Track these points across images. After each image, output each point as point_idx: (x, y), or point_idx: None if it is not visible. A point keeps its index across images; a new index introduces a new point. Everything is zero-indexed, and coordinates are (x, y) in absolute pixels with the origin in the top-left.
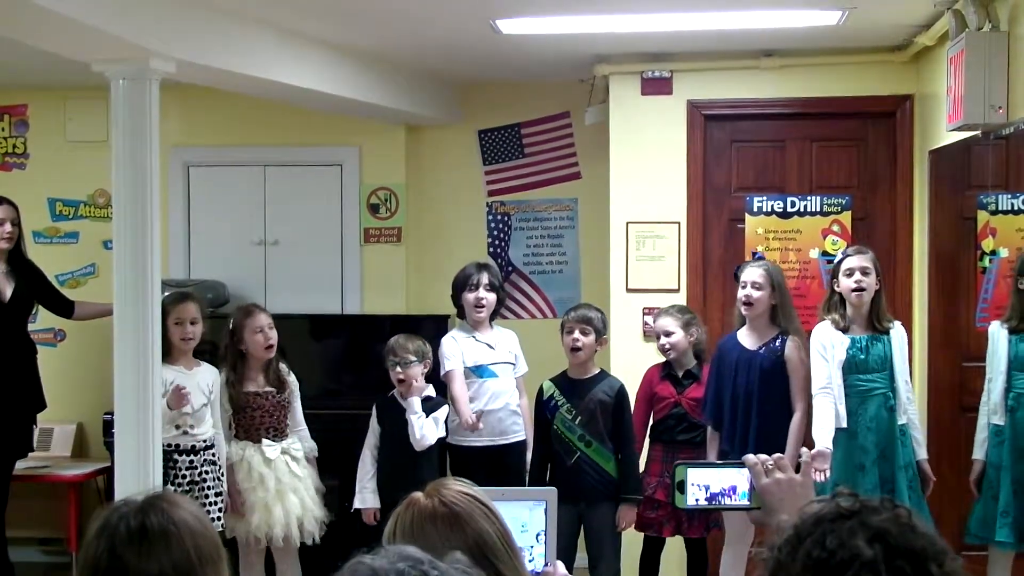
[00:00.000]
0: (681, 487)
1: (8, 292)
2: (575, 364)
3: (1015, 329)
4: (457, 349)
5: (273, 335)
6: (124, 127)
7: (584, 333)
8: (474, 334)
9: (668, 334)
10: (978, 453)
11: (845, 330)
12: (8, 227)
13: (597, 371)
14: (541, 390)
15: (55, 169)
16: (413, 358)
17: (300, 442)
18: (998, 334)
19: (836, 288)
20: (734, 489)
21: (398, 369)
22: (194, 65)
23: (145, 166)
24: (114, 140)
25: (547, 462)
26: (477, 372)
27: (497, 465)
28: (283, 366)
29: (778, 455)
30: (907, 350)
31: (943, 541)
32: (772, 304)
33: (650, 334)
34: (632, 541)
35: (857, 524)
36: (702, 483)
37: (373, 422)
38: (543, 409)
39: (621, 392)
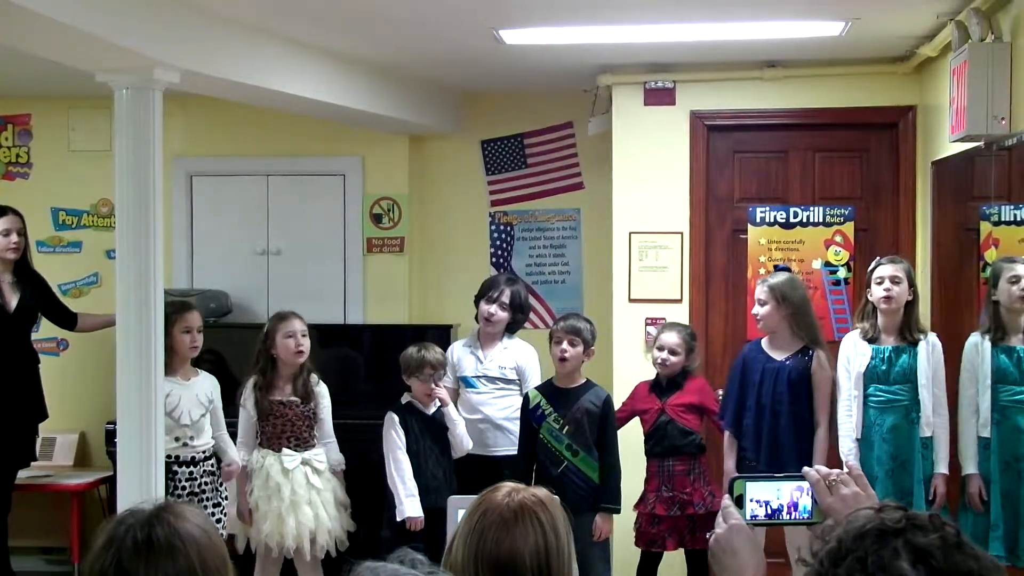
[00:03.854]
0: (740, 501)
1: (14, 302)
2: (562, 374)
3: (996, 340)
4: (451, 361)
5: (305, 343)
6: (127, 137)
7: (572, 344)
8: (472, 346)
9: (674, 352)
10: (971, 467)
11: (874, 340)
12: (15, 237)
13: (583, 380)
14: (527, 399)
15: (58, 178)
16: (444, 372)
17: (327, 454)
18: (981, 346)
19: (868, 296)
20: (795, 505)
21: (431, 384)
22: (197, 75)
23: (148, 176)
24: (117, 150)
25: (529, 471)
26: (464, 382)
27: (484, 477)
28: (314, 377)
29: (854, 467)
30: (941, 362)
31: (993, 561)
32: (783, 317)
33: (650, 343)
34: (632, 553)
35: (901, 544)
36: (762, 499)
37: (398, 430)
38: (529, 418)
39: (607, 402)
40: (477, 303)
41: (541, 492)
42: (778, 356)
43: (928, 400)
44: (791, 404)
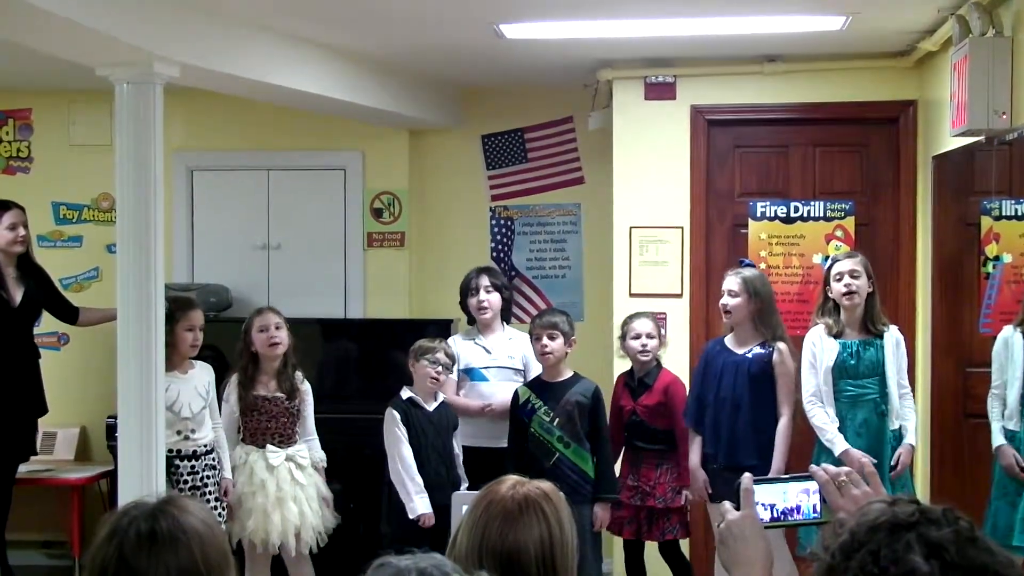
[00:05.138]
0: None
1: (18, 297)
2: (547, 368)
3: None
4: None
5: (280, 335)
6: (128, 131)
7: (551, 338)
8: (475, 338)
9: (651, 336)
10: (999, 440)
11: (838, 335)
12: (21, 231)
13: (571, 374)
14: (516, 395)
15: (59, 173)
16: (453, 366)
17: (309, 451)
18: (1013, 338)
19: (829, 293)
20: (798, 508)
21: (440, 368)
22: (198, 69)
23: (149, 170)
24: (118, 144)
25: (523, 466)
26: (468, 374)
27: (494, 469)
28: (298, 374)
29: (867, 464)
30: (904, 353)
31: (1008, 556)
32: (751, 311)
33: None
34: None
35: (914, 537)
36: (768, 502)
37: (400, 427)
38: (519, 413)
39: (597, 393)
40: (464, 306)
41: (545, 485)
42: (739, 350)
43: (896, 393)
44: (752, 397)
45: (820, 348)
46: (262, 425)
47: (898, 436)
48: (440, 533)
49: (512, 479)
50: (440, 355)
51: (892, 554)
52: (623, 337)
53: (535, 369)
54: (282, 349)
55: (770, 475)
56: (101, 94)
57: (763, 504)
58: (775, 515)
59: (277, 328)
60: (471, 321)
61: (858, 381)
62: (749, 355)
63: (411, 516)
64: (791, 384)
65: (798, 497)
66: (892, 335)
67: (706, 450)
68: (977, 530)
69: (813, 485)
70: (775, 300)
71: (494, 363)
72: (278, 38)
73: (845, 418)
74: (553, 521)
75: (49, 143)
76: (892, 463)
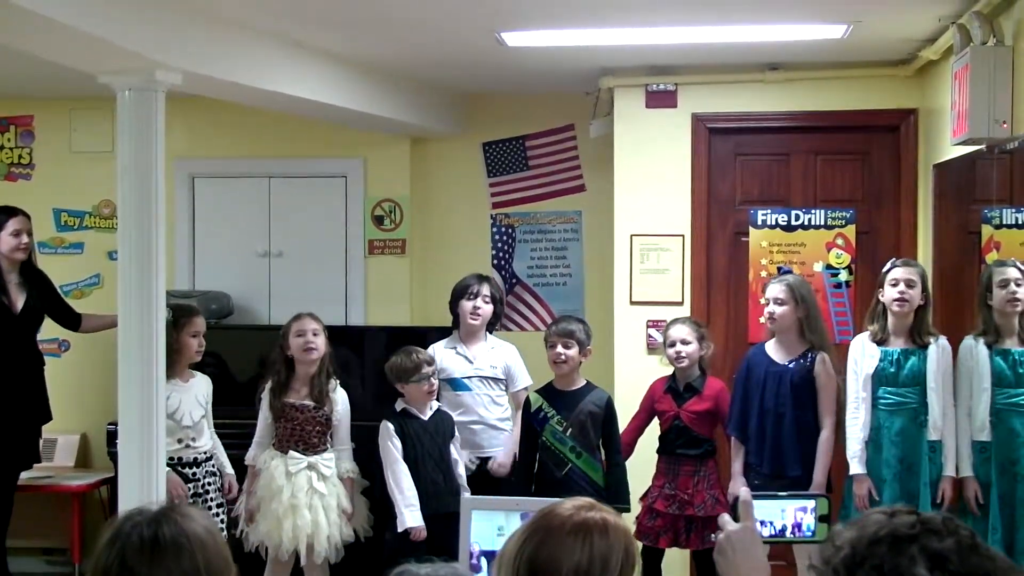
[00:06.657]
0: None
1: (20, 303)
2: (561, 376)
3: (991, 343)
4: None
5: (316, 341)
6: (130, 138)
7: (567, 346)
8: (457, 346)
9: (685, 342)
10: (967, 470)
11: (883, 341)
12: (24, 238)
13: (584, 383)
14: (528, 402)
15: (60, 180)
16: (436, 369)
17: (340, 461)
18: (976, 349)
19: (880, 297)
20: (799, 525)
21: (432, 381)
22: (200, 76)
23: (150, 177)
24: (119, 151)
25: (535, 473)
26: (450, 384)
27: (479, 479)
28: (332, 382)
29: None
30: (951, 365)
31: (1008, 561)
32: (798, 318)
33: (654, 346)
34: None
35: (917, 550)
36: (765, 519)
37: (394, 440)
38: (531, 421)
39: (610, 404)
40: (454, 307)
41: (611, 518)
42: (782, 360)
43: (937, 404)
44: (794, 407)
45: (862, 354)
46: (287, 432)
47: (936, 448)
48: (441, 540)
49: (585, 501)
50: (424, 369)
51: (896, 568)
52: (663, 344)
53: (520, 377)
54: (317, 355)
55: (811, 490)
56: (103, 101)
57: (761, 522)
58: (770, 533)
59: (315, 334)
60: (456, 324)
61: (898, 389)
62: (791, 365)
63: (399, 529)
64: (833, 395)
65: (795, 515)
66: (939, 346)
67: (750, 460)
68: (977, 537)
69: (810, 503)
70: (819, 305)
71: (476, 373)
72: (280, 45)
73: (882, 426)
74: (597, 554)
75: (51, 150)
76: (938, 499)
